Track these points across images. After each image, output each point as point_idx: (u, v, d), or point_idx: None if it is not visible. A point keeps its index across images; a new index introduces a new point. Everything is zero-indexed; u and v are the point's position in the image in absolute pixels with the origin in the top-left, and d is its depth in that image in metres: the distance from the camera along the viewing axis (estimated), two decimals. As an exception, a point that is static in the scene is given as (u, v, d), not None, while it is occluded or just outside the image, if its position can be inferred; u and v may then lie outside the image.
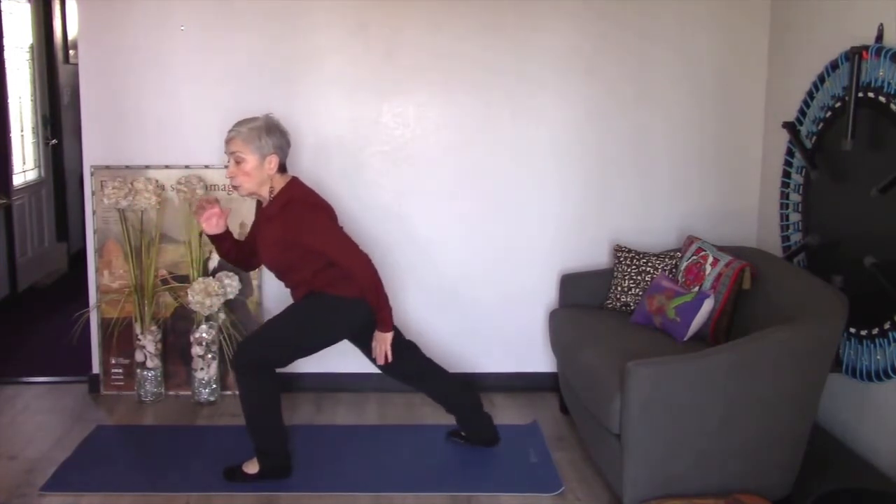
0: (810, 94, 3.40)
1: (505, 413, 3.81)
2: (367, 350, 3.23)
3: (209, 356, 3.86)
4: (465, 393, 3.41)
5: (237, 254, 3.26)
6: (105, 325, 3.96)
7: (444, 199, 3.97)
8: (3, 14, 5.34)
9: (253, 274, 3.93)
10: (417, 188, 3.95)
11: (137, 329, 3.89)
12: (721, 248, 3.47)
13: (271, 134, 3.01)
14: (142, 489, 3.08)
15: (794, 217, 3.56)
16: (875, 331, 2.93)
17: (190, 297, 3.73)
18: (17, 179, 5.67)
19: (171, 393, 3.99)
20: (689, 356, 2.74)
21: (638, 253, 3.72)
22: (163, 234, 3.89)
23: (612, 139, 3.94)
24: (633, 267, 3.68)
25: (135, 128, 3.87)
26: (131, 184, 3.78)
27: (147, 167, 3.88)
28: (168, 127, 3.86)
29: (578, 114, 3.92)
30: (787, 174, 3.62)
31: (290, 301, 3.23)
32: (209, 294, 3.71)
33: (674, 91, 3.92)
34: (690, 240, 3.62)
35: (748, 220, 4.00)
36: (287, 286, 3.22)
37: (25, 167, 5.89)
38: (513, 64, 3.87)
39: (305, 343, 3.15)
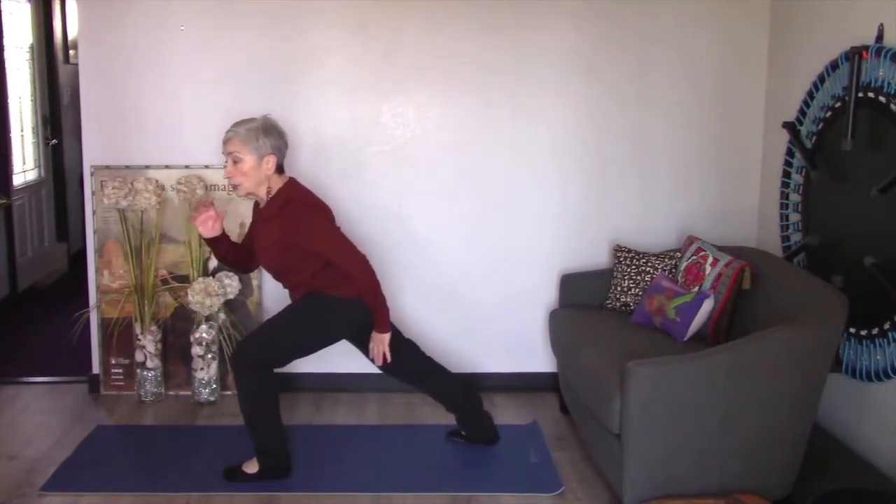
0: (810, 94, 3.40)
1: (505, 413, 3.81)
2: (366, 350, 3.23)
3: (209, 356, 3.86)
4: (466, 391, 3.41)
5: (235, 256, 3.26)
6: (105, 325, 3.96)
7: (444, 199, 3.97)
8: (3, 14, 5.34)
9: (253, 274, 3.93)
10: (417, 188, 3.95)
11: (137, 329, 3.89)
12: (721, 248, 3.47)
13: (269, 134, 3.01)
14: (142, 489, 3.08)
15: (794, 217, 3.56)
16: (875, 331, 2.93)
17: (190, 297, 3.73)
18: (17, 179, 5.67)
19: (171, 393, 3.99)
20: (689, 356, 2.74)
21: (638, 253, 3.72)
22: (163, 234, 3.89)
23: (612, 139, 3.94)
24: (633, 267, 3.68)
25: (135, 128, 3.87)
26: (131, 184, 3.78)
27: (147, 167, 3.88)
28: (168, 127, 3.86)
29: (578, 114, 3.92)
30: (787, 174, 3.62)
31: (290, 301, 3.23)
32: (209, 294, 3.71)
33: (674, 91, 3.92)
34: (690, 240, 3.62)
35: (748, 220, 4.00)
36: (285, 287, 3.22)
37: (25, 167, 5.89)
38: (513, 64, 3.87)
39: (304, 343, 3.15)
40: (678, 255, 3.65)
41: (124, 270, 3.90)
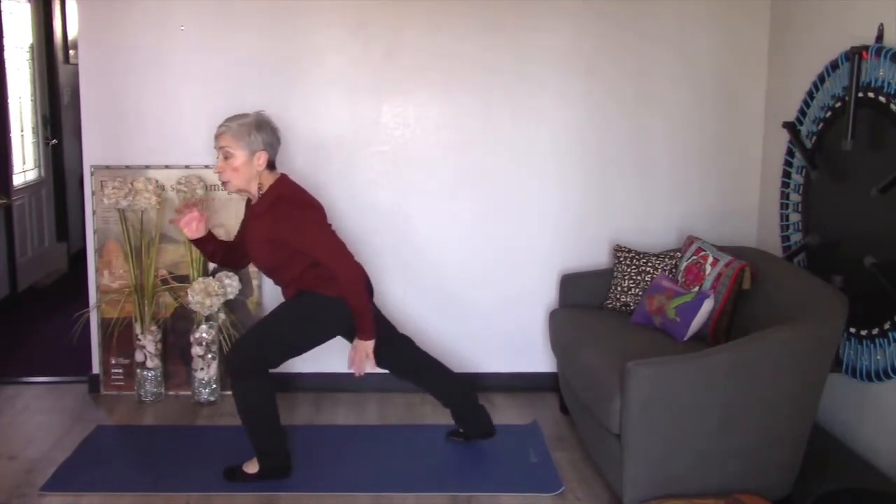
0: (810, 94, 3.40)
1: (505, 413, 3.81)
2: None
3: (209, 356, 3.86)
4: (463, 386, 3.41)
5: (224, 254, 3.26)
6: (105, 325, 3.96)
7: (444, 199, 3.97)
8: (3, 14, 5.34)
9: (253, 274, 3.93)
10: (417, 188, 3.95)
11: (137, 329, 3.89)
12: (721, 248, 3.47)
13: (261, 130, 2.99)
14: (142, 489, 3.08)
15: (794, 217, 3.56)
16: (875, 331, 2.93)
17: (190, 297, 3.73)
18: (17, 179, 5.67)
19: (171, 393, 3.99)
20: (689, 356, 2.74)
21: (638, 253, 3.72)
22: (163, 234, 3.89)
23: (612, 139, 3.94)
24: (633, 267, 3.68)
25: (135, 128, 3.87)
26: (131, 184, 3.78)
27: (147, 167, 3.88)
28: (168, 127, 3.86)
29: (578, 114, 3.92)
30: (787, 174, 3.62)
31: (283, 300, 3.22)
32: (209, 294, 3.71)
33: (674, 91, 3.92)
34: (690, 240, 3.62)
35: (748, 220, 4.00)
36: (277, 284, 3.20)
37: (25, 167, 5.89)
38: (513, 64, 3.87)
39: (297, 342, 3.14)
40: (678, 255, 3.65)
41: (124, 270, 3.90)
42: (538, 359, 4.07)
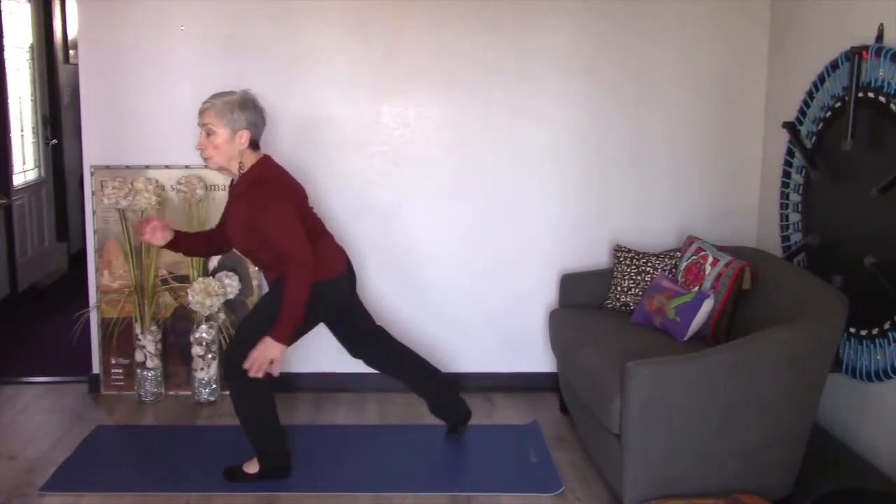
0: (810, 94, 3.40)
1: (505, 413, 3.81)
2: (342, 336, 3.27)
3: (209, 356, 3.86)
4: (438, 373, 3.45)
5: (205, 246, 3.28)
6: (105, 325, 3.96)
7: (444, 199, 3.96)
8: (3, 14, 5.34)
9: (253, 274, 3.93)
10: (417, 188, 3.95)
11: (137, 329, 3.89)
12: (721, 248, 3.47)
13: (245, 109, 2.95)
14: (142, 489, 3.08)
15: (794, 217, 3.56)
16: (875, 331, 2.92)
17: (190, 297, 3.73)
18: (17, 179, 5.67)
19: (171, 393, 3.99)
20: (689, 356, 2.74)
21: (638, 253, 3.72)
22: (163, 234, 3.89)
23: (611, 139, 3.94)
24: (633, 267, 3.68)
25: (135, 128, 3.87)
26: (131, 184, 3.78)
27: (147, 167, 3.88)
28: (168, 127, 3.86)
29: (578, 114, 3.92)
30: (787, 174, 3.62)
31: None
32: (209, 294, 3.71)
33: (674, 91, 3.92)
34: (690, 240, 3.62)
35: (748, 220, 4.00)
36: (257, 268, 3.18)
37: (25, 167, 5.89)
38: (513, 64, 3.87)
39: None
40: (678, 255, 3.64)
41: (124, 270, 3.90)
42: (538, 359, 4.07)
